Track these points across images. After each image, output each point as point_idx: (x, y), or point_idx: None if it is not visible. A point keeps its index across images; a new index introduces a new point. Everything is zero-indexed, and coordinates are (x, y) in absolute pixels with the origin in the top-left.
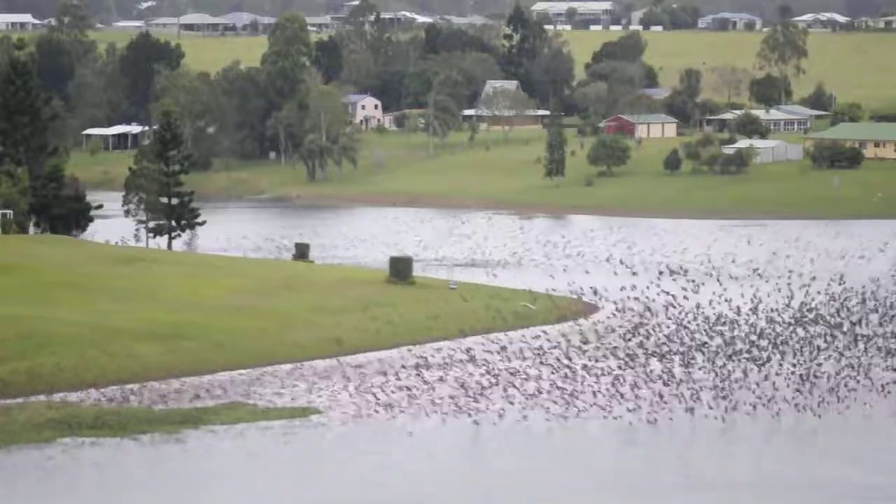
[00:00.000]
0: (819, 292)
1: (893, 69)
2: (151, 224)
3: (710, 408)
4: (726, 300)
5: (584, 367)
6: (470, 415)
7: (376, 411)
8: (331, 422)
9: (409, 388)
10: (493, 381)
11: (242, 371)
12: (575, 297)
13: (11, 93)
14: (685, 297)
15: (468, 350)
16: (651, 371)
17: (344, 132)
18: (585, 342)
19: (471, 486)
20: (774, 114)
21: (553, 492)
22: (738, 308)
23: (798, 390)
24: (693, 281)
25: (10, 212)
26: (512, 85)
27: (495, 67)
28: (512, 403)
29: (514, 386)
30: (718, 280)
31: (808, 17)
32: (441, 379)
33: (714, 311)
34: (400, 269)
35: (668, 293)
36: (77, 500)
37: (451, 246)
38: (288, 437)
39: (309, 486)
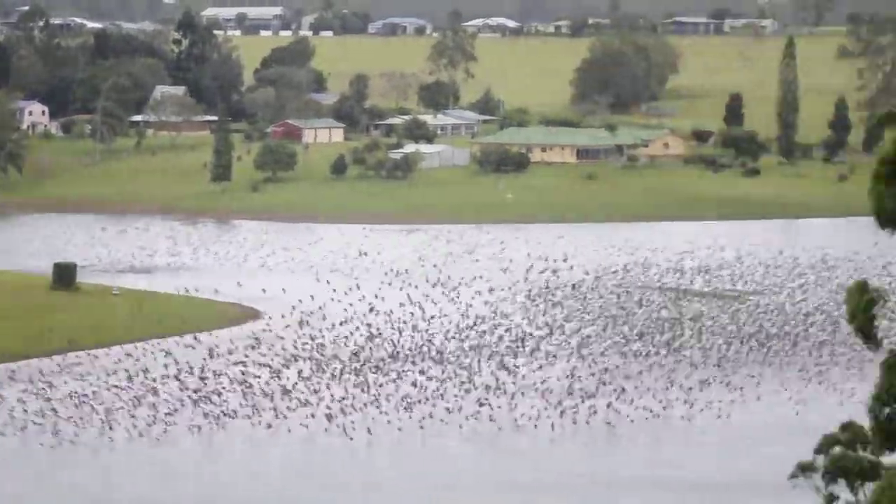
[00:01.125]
0: None
1: (561, 74)
2: None
3: None
4: None
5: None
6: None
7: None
8: None
9: (56, 398)
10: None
11: None
12: (237, 303)
13: None
14: None
15: (130, 356)
16: None
17: (11, 138)
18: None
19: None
20: (442, 118)
21: None
22: None
23: None
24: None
25: None
26: (180, 90)
27: (164, 73)
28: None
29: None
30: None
31: (478, 22)
32: (98, 389)
33: None
34: (64, 275)
35: None
36: None
37: (116, 252)
38: None
39: None
